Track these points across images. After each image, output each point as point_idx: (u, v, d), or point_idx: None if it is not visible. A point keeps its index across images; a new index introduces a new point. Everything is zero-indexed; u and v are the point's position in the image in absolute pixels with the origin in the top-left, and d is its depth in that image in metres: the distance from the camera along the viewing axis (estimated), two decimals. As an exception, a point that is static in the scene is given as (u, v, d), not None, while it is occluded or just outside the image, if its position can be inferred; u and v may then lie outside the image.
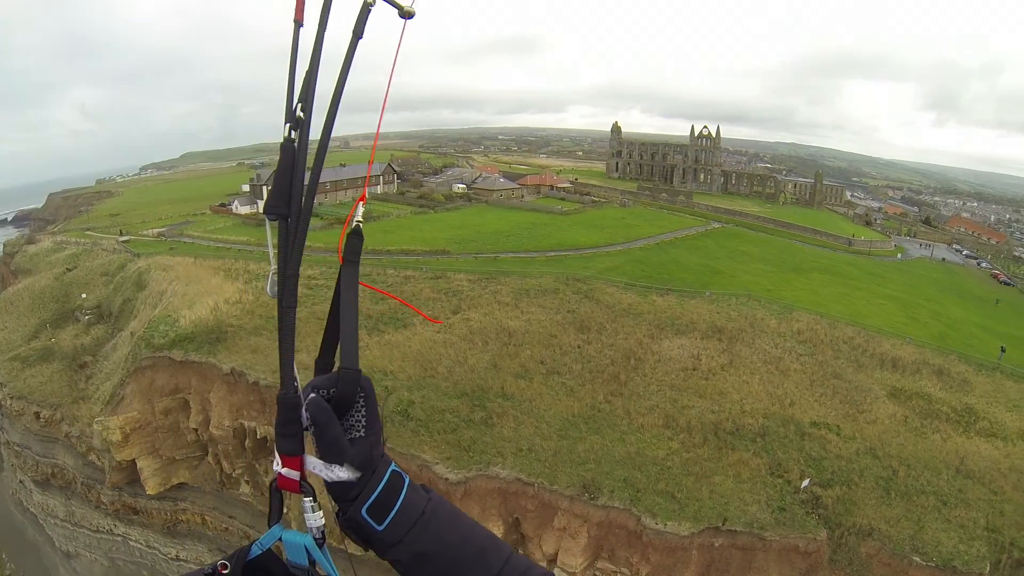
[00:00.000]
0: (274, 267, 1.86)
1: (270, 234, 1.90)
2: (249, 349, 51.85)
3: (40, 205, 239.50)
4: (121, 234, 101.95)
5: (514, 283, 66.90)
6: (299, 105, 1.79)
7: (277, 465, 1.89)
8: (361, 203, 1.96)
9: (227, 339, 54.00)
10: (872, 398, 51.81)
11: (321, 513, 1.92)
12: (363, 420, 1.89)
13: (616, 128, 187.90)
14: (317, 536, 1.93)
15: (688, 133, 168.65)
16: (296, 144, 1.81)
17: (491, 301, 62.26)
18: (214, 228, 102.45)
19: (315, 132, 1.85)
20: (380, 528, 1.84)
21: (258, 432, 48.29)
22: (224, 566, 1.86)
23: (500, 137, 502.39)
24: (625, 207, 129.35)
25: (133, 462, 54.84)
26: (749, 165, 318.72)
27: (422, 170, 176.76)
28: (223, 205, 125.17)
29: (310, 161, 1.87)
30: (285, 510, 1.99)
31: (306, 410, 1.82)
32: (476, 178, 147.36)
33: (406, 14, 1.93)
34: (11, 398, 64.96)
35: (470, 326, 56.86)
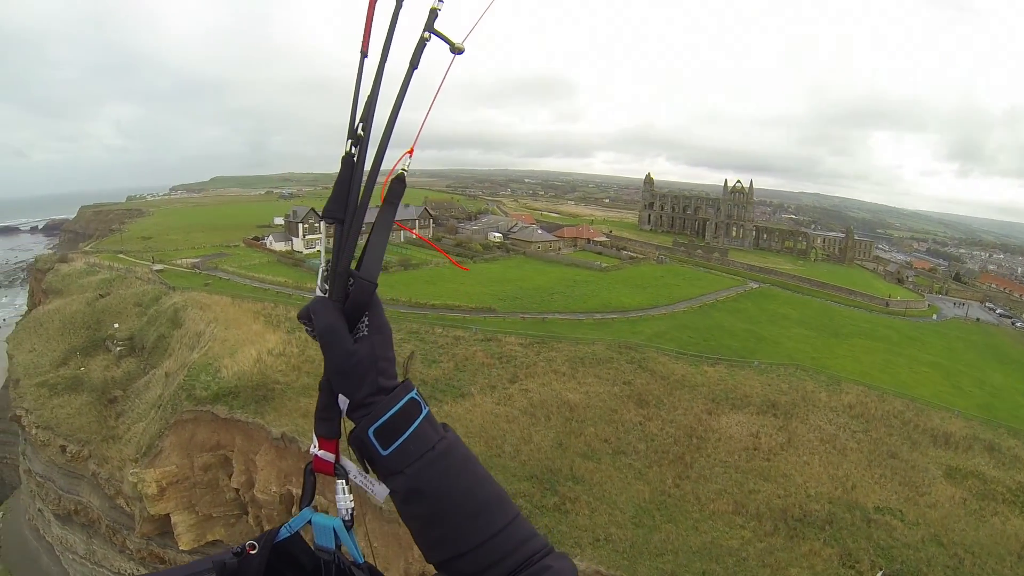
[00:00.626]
0: (323, 265, 1.94)
1: (324, 235, 2.00)
2: (299, 412, 49.83)
3: (72, 216, 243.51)
4: (153, 261, 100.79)
5: (567, 349, 65.26)
6: (360, 124, 1.92)
7: (314, 448, 1.95)
8: (408, 155, 2.00)
9: (275, 398, 52.21)
10: (930, 479, 51.14)
11: (352, 496, 1.95)
12: (366, 321, 1.91)
13: (649, 179, 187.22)
14: (346, 519, 1.95)
15: (713, 183, 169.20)
16: (355, 158, 1.94)
17: (547, 370, 60.71)
18: (249, 264, 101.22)
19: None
20: (384, 453, 1.83)
21: (309, 502, 46.49)
22: (252, 547, 1.82)
23: (527, 180, 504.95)
24: (662, 264, 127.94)
25: (167, 515, 52.97)
26: (775, 216, 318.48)
27: (456, 215, 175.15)
28: (257, 239, 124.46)
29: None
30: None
31: (314, 310, 1.87)
32: (512, 227, 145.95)
33: (456, 50, 1.99)
34: (37, 427, 63.27)
35: (530, 398, 55.40)
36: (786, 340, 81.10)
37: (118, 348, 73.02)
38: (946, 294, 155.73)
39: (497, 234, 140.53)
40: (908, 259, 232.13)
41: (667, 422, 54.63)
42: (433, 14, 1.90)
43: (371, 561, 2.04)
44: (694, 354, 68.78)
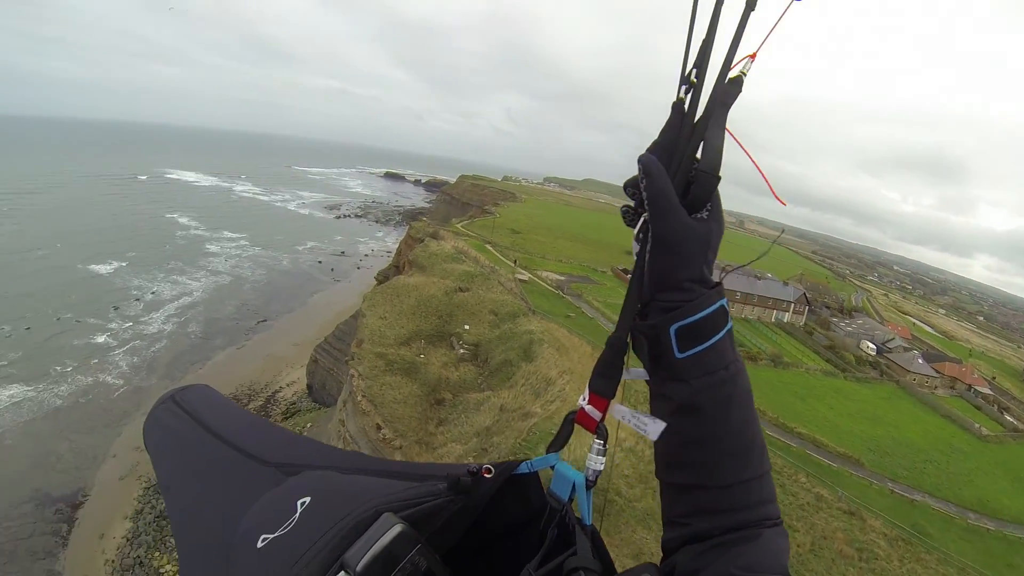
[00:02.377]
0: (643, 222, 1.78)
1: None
2: (631, 550, 41.20)
3: (451, 180, 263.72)
4: (517, 265, 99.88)
5: (937, 571, 51.73)
6: (693, 71, 1.76)
7: (583, 400, 1.93)
8: (750, 59, 1.71)
9: (610, 514, 44.33)
10: None
11: (604, 459, 1.95)
12: (708, 207, 1.71)
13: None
14: (590, 478, 1.94)
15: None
16: (686, 105, 1.76)
17: (920, 600, 49.71)
18: (614, 303, 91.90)
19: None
20: (679, 355, 1.68)
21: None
22: (488, 470, 1.93)
23: (896, 268, 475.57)
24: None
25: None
26: None
27: (830, 303, 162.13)
28: (626, 271, 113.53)
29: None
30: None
31: (639, 162, 1.71)
32: (888, 341, 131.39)
33: None
34: (363, 395, 63.02)
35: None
36: None
37: (461, 350, 71.67)
38: None
39: (871, 345, 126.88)
40: None
41: None
42: None
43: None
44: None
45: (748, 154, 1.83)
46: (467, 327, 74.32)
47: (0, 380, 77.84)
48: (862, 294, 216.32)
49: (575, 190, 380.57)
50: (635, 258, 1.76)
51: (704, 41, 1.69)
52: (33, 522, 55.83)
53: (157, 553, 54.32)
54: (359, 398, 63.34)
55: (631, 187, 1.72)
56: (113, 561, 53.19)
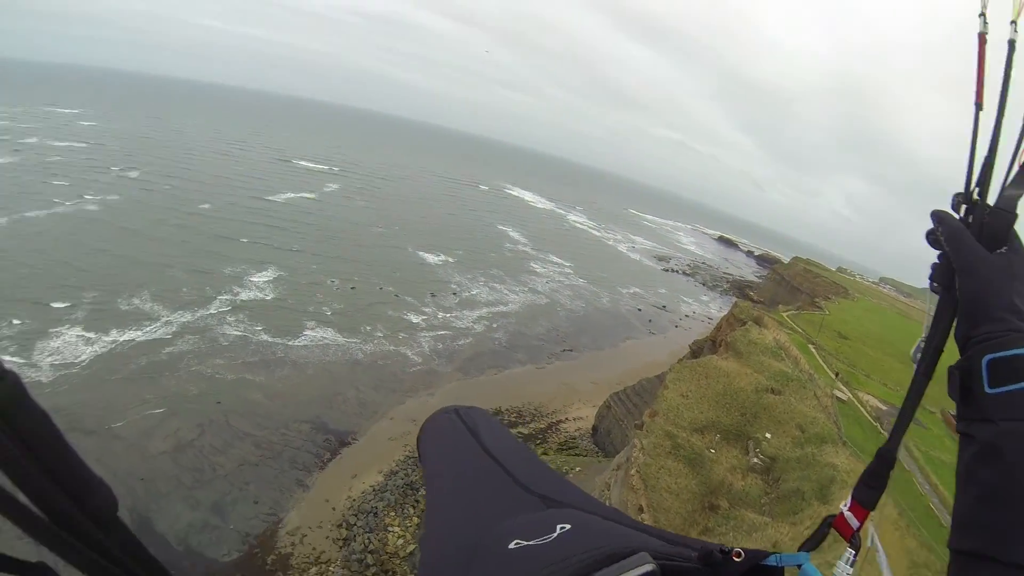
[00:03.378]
0: (925, 335, 1.86)
1: (929, 304, 1.87)
2: None
3: (784, 259, 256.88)
4: (837, 378, 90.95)
5: None
6: (976, 189, 1.79)
7: (845, 506, 1.91)
8: None
9: None
10: None
11: (853, 572, 1.85)
12: (1006, 246, 1.73)
13: None
14: None
15: None
16: (968, 225, 1.78)
17: None
18: (937, 458, 67.33)
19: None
20: (989, 390, 1.56)
21: None
22: (739, 554, 1.84)
23: None
24: None
25: None
26: None
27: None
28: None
29: None
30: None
31: (931, 215, 1.83)
32: None
33: None
34: (637, 472, 58.81)
35: None
36: None
37: (755, 459, 64.79)
38: None
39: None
40: None
41: None
42: None
43: None
44: None
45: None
46: (768, 436, 67.20)
47: (319, 322, 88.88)
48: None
49: (912, 298, 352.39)
50: (923, 341, 1.83)
51: (986, 158, 1.72)
52: (304, 439, 63.91)
53: (392, 513, 57.84)
54: (632, 472, 59.49)
55: (930, 236, 1.78)
56: (354, 500, 58.15)
